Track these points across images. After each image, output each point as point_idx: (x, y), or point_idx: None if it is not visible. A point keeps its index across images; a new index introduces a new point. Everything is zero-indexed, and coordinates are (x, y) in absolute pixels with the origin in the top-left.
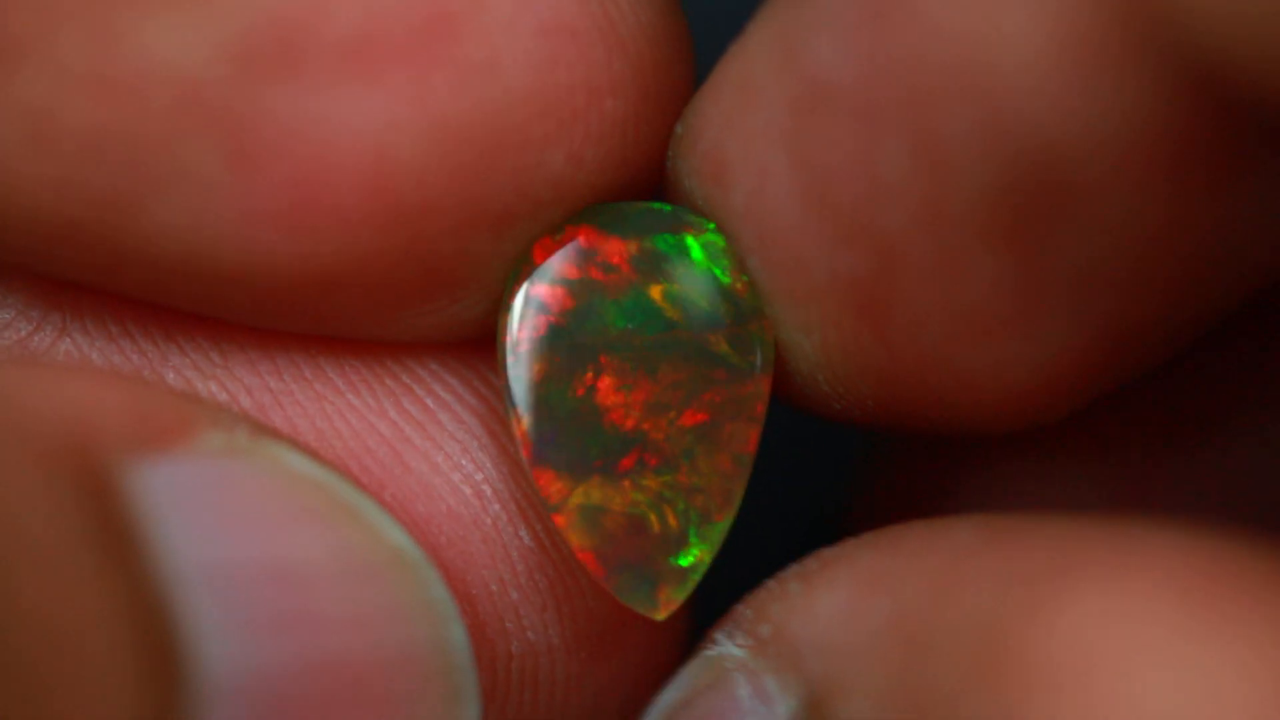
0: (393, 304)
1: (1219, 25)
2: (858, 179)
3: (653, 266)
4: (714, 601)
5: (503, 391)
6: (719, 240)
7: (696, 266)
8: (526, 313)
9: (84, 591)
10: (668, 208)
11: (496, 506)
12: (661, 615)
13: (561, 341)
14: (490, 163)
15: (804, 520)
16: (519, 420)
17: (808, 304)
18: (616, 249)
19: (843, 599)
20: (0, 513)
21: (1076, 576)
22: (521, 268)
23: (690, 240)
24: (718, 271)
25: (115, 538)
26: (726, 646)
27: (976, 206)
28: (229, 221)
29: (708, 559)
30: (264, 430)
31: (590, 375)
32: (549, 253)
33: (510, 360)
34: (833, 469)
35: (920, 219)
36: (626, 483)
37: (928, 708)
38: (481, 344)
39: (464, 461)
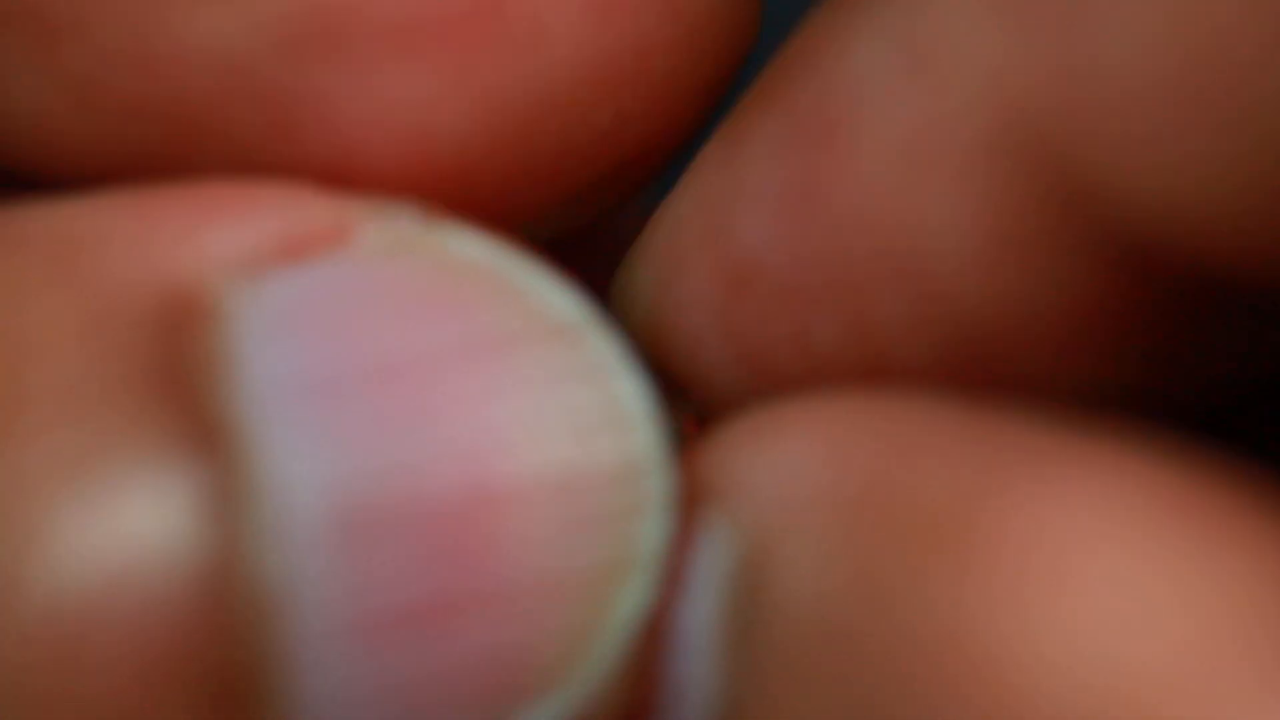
0: None
1: (1144, 200)
2: (792, 353)
3: None
4: None
5: None
6: None
7: None
8: None
9: (132, 425)
10: None
11: None
12: None
13: None
14: (534, 129)
15: None
16: None
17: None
18: None
19: (801, 450)
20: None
21: (1036, 469)
22: None
23: None
24: None
25: (182, 369)
26: (674, 481)
27: (913, 376)
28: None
29: None
30: (442, 221)
31: None
32: None
33: None
34: None
35: (860, 388)
36: None
37: (872, 568)
38: None
39: None
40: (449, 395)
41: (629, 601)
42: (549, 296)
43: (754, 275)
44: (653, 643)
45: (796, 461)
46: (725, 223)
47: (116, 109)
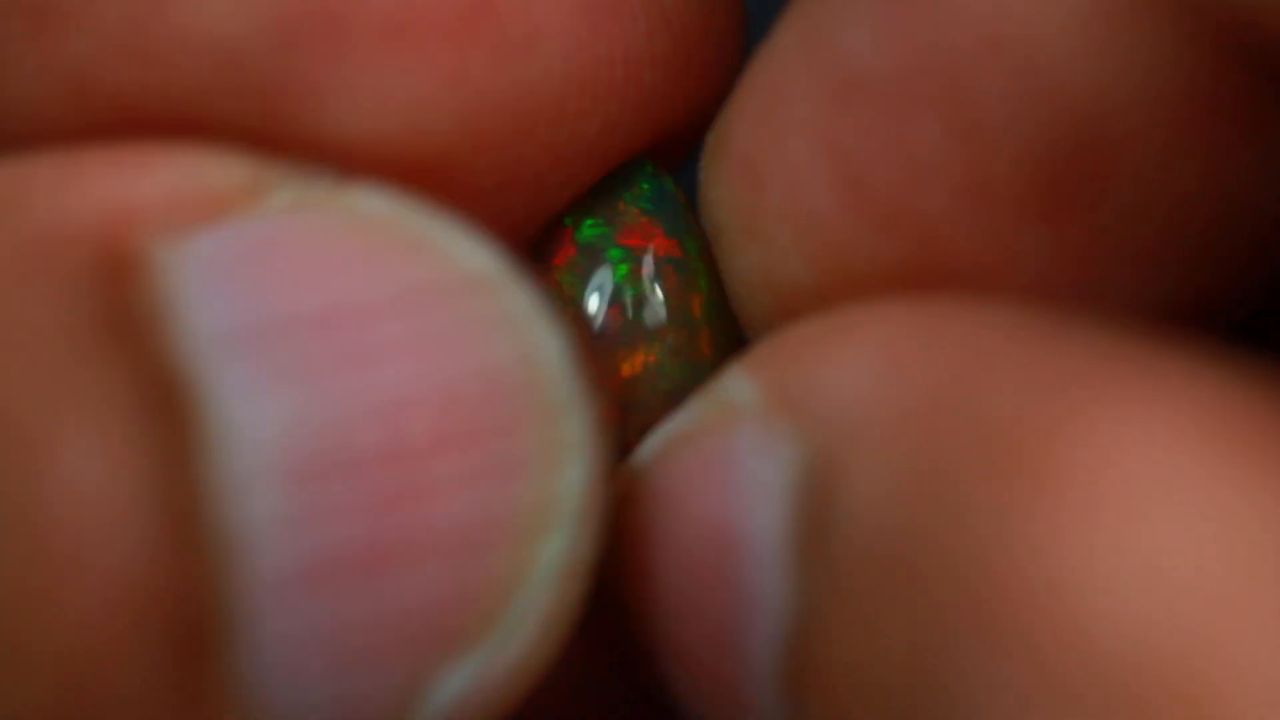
0: None
1: None
2: (895, 163)
3: None
4: None
5: None
6: None
7: None
8: None
9: (80, 372)
10: None
11: None
12: None
13: None
14: (523, 135)
15: None
16: None
17: (850, 296)
18: None
19: (868, 363)
20: None
21: (1108, 393)
22: None
23: None
24: None
25: (123, 319)
26: (740, 387)
27: (1017, 180)
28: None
29: None
30: (352, 178)
31: None
32: None
33: None
34: None
35: (959, 197)
36: None
37: (937, 502)
38: None
39: None
40: (371, 349)
41: (554, 549)
42: (463, 249)
43: (857, 85)
44: (722, 552)
45: (862, 370)
46: (828, 38)
47: (111, 101)
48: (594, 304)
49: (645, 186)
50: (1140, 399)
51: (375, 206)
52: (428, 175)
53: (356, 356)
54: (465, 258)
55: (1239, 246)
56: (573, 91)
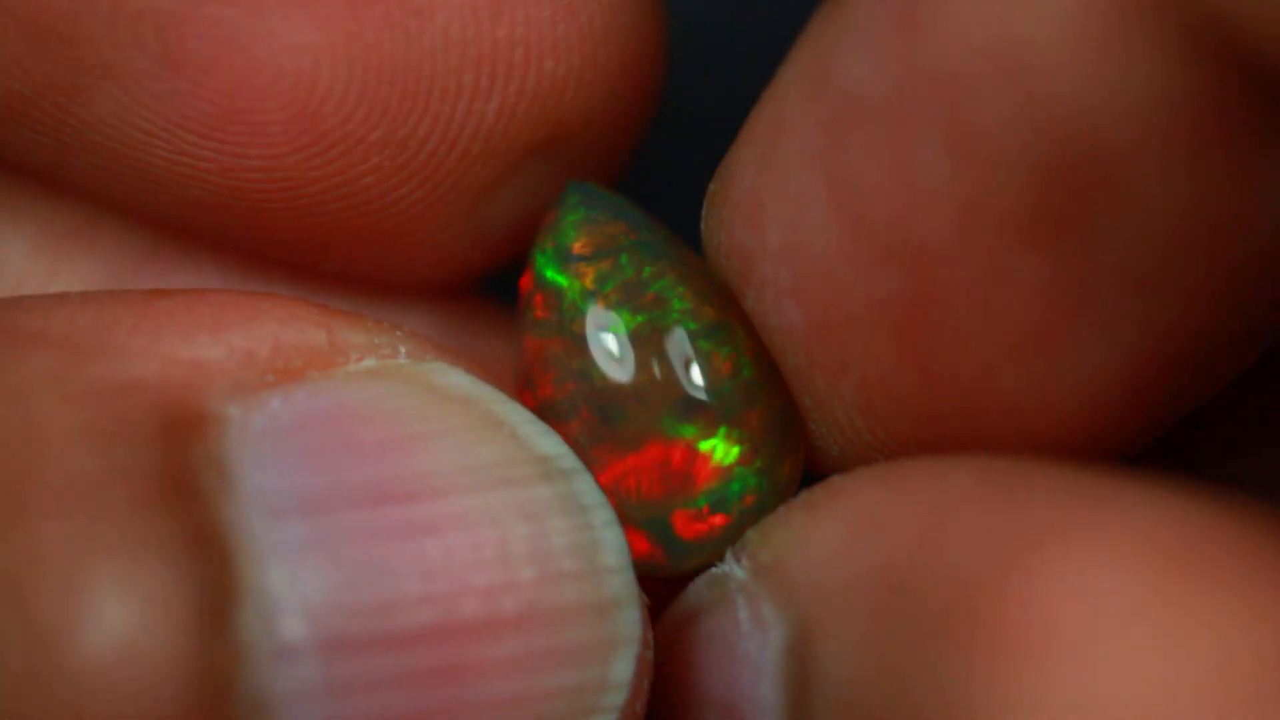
0: (327, 240)
1: None
2: (896, 190)
3: None
4: None
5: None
6: None
7: None
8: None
9: (132, 519)
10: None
11: None
12: None
13: None
14: (417, 106)
15: None
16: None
17: (846, 336)
18: None
19: (837, 534)
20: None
21: (1060, 539)
22: None
23: None
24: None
25: (181, 473)
26: (732, 567)
27: (1015, 203)
28: (159, 123)
29: None
30: (434, 351)
31: None
32: None
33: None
34: None
35: (959, 225)
36: None
37: (901, 659)
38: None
39: None
40: (428, 525)
41: None
42: (533, 432)
43: (858, 111)
44: None
45: (833, 539)
46: (828, 69)
47: (16, 26)
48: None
49: (574, 199)
50: (1091, 541)
51: (452, 382)
52: (323, 138)
53: (413, 530)
54: (536, 442)
55: (1247, 274)
56: (469, 67)
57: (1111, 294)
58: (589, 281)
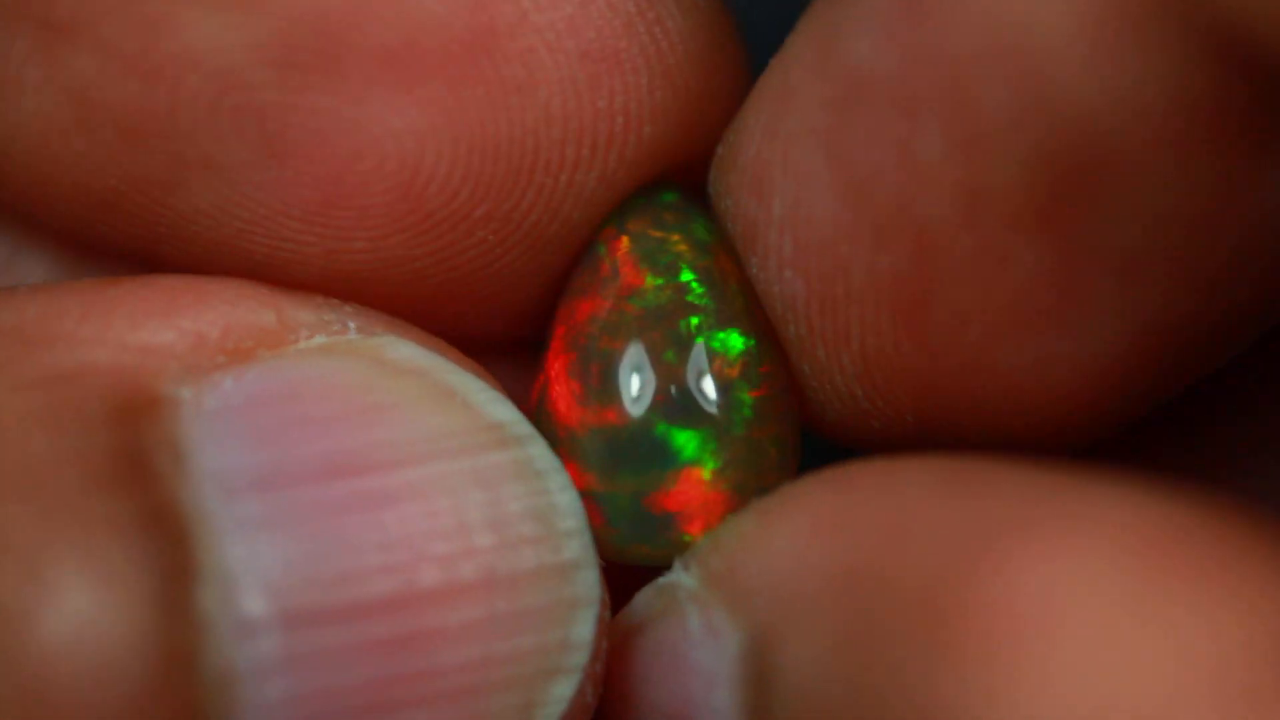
0: (424, 309)
1: None
2: (897, 172)
3: None
4: None
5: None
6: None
7: None
8: None
9: (88, 502)
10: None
11: None
12: None
13: None
14: (521, 181)
15: None
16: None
17: (847, 309)
18: None
19: (793, 539)
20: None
21: (1023, 536)
22: None
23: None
24: None
25: (136, 455)
26: (680, 575)
27: (1015, 188)
28: (260, 212)
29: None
30: (383, 325)
31: None
32: None
33: None
34: None
35: (959, 206)
36: None
37: (866, 660)
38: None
39: None
40: (384, 496)
41: (558, 693)
42: (486, 400)
43: (863, 91)
44: None
45: (791, 545)
46: (834, 46)
47: (112, 126)
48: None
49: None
50: (1055, 537)
51: (402, 354)
52: (426, 218)
53: (369, 502)
54: (488, 410)
55: (1239, 264)
56: (571, 139)
57: (1108, 279)
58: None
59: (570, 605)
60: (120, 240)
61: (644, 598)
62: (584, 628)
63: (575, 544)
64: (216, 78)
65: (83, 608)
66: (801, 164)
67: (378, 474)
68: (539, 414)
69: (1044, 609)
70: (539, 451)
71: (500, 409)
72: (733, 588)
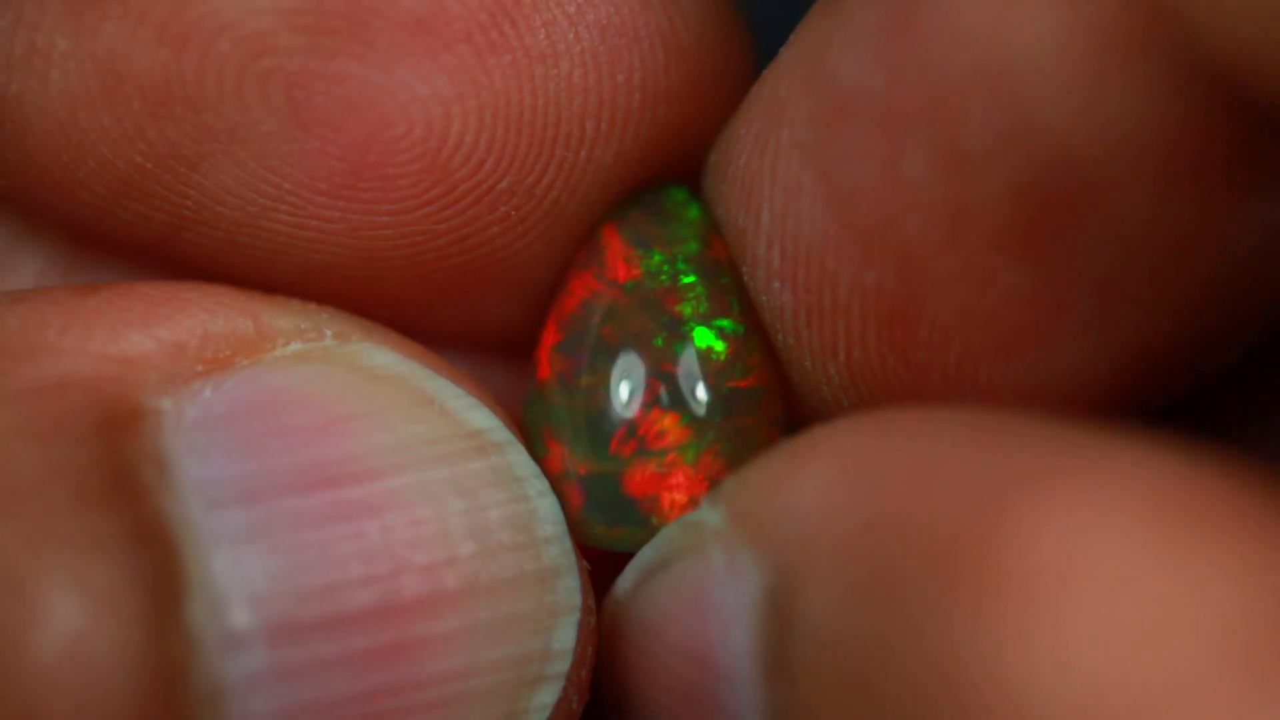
0: (443, 292)
1: (1227, 24)
2: (882, 189)
3: None
4: None
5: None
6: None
7: None
8: None
9: (74, 518)
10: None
11: None
12: None
13: None
14: (543, 154)
15: None
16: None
17: (834, 321)
18: None
19: (821, 482)
20: None
21: (1047, 488)
22: None
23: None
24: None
25: (120, 468)
26: (707, 513)
27: (997, 209)
28: (285, 186)
29: None
30: (359, 330)
31: None
32: None
33: None
34: None
35: (943, 228)
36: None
37: (887, 605)
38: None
39: None
40: (364, 506)
41: (540, 700)
42: (465, 407)
43: (851, 108)
44: (702, 677)
45: (816, 490)
46: (824, 62)
47: (139, 98)
48: None
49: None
50: (1076, 494)
51: (379, 361)
52: (456, 192)
53: (350, 511)
54: (466, 416)
55: (1219, 288)
56: (590, 113)
57: (1087, 301)
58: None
59: (551, 613)
60: (140, 227)
61: (668, 533)
62: (565, 635)
63: (555, 550)
64: (245, 43)
65: (73, 627)
66: (790, 177)
67: (358, 484)
68: (531, 393)
69: (1062, 560)
70: (518, 458)
71: (478, 415)
72: (758, 528)
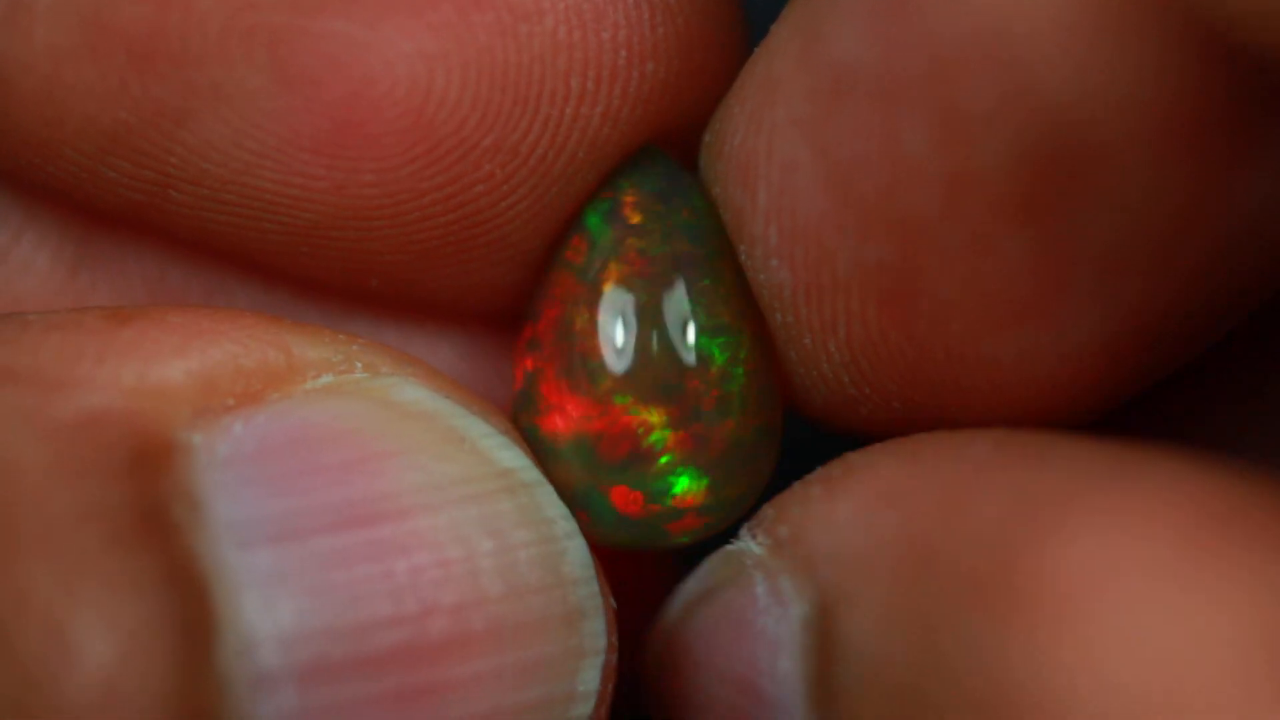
0: (431, 254)
1: None
2: (881, 163)
3: None
4: None
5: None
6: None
7: None
8: None
9: (107, 558)
10: None
11: None
12: None
13: None
14: (527, 111)
15: None
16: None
17: (834, 298)
18: None
19: (858, 508)
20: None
21: (1081, 505)
22: None
23: None
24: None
25: (152, 506)
26: (748, 543)
27: (999, 182)
28: (270, 143)
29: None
30: (389, 362)
31: None
32: None
33: None
34: None
35: (943, 199)
36: None
37: (927, 628)
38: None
39: None
40: (394, 545)
41: None
42: (495, 445)
43: (847, 82)
44: (751, 705)
45: (855, 514)
46: (819, 36)
47: (123, 52)
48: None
49: (648, 164)
50: (1112, 511)
51: (410, 396)
52: (440, 150)
53: (379, 552)
54: (497, 455)
55: (1220, 256)
56: (576, 70)
57: (1088, 270)
58: (625, 242)
59: (577, 655)
60: (126, 186)
61: (710, 564)
62: (590, 677)
63: (583, 592)
64: (227, 1)
65: (106, 669)
66: (786, 154)
67: (388, 523)
68: (526, 382)
69: (1093, 579)
70: (547, 498)
71: (508, 454)
72: (799, 556)
